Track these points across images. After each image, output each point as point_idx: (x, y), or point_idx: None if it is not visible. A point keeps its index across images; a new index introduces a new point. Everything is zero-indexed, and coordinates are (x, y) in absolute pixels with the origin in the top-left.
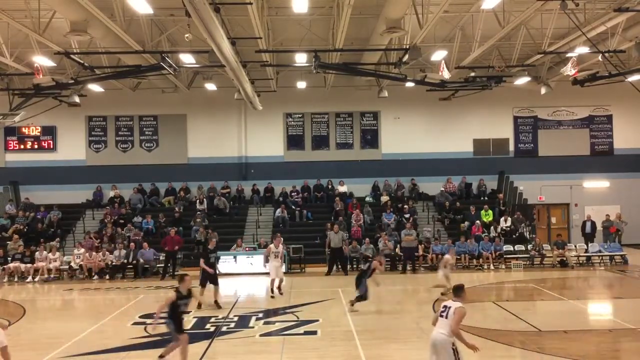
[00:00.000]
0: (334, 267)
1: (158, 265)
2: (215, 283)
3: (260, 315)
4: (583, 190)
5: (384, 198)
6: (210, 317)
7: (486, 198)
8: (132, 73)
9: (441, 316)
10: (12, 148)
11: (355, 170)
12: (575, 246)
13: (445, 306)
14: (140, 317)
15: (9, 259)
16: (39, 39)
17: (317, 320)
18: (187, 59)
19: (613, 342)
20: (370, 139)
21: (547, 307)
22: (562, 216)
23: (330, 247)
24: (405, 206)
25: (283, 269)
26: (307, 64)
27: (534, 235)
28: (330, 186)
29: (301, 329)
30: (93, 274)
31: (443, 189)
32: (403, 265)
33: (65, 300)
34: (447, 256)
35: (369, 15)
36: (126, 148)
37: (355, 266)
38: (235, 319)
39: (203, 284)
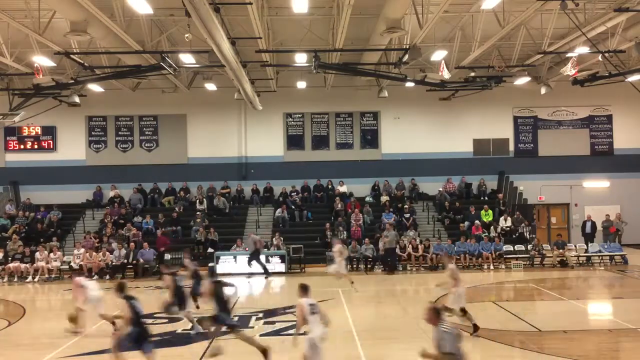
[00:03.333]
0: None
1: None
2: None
3: (260, 315)
4: (583, 190)
5: (384, 198)
6: None
7: (486, 198)
8: (132, 73)
9: None
10: (12, 148)
11: (355, 170)
12: (575, 246)
13: None
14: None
15: (9, 259)
16: (39, 39)
17: None
18: (187, 59)
19: (613, 342)
20: (370, 139)
21: (547, 307)
22: (562, 216)
23: None
24: (405, 206)
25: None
26: (307, 64)
27: (533, 235)
28: (330, 186)
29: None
30: (93, 274)
31: (442, 189)
32: (383, 265)
33: (65, 300)
34: None
35: (369, 15)
36: (126, 148)
37: (355, 266)
38: (235, 319)
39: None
